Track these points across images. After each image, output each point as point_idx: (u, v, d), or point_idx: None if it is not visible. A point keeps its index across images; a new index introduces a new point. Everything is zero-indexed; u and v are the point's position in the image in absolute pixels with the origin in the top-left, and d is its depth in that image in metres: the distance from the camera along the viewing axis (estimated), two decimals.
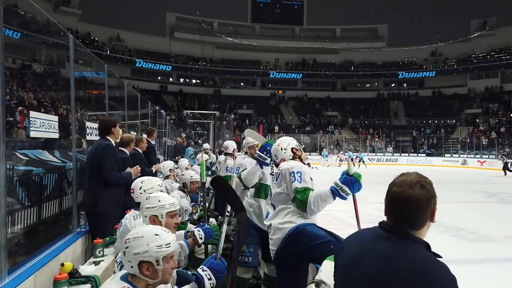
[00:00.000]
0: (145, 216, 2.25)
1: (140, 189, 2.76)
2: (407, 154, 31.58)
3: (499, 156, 24.23)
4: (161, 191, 2.73)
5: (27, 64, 15.40)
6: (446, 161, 29.06)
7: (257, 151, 3.22)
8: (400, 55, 39.90)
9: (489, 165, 26.19)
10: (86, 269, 2.43)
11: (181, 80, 40.38)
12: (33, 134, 2.99)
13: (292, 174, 2.57)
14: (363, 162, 26.02)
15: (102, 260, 2.68)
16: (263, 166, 3.13)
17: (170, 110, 33.31)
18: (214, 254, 2.07)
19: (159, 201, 2.27)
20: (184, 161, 6.08)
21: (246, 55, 40.22)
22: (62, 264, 2.17)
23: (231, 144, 5.73)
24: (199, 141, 22.05)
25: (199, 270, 1.96)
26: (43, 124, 2.97)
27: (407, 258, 1.24)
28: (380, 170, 22.11)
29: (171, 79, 39.67)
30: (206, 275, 1.92)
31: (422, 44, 37.27)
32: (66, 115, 7.97)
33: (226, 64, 39.81)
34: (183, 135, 21.30)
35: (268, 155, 3.06)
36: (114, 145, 3.84)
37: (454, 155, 30.25)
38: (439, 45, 38.84)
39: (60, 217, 4.22)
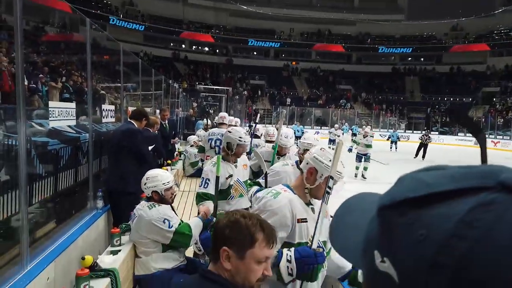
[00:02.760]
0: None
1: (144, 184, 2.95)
2: (419, 132, 31.17)
3: None
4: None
5: (41, 26, 15.21)
6: (459, 140, 28.61)
7: None
8: (419, 29, 38.61)
9: (502, 146, 25.77)
10: (105, 260, 2.47)
11: (193, 47, 39.85)
12: (52, 124, 3.01)
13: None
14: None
15: (120, 250, 2.72)
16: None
17: (181, 78, 33.12)
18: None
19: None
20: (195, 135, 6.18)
21: (261, 24, 39.34)
22: (83, 258, 2.20)
23: (226, 116, 5.96)
24: (210, 111, 21.97)
25: (286, 249, 1.76)
26: (61, 113, 2.96)
27: None
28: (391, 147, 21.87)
29: (183, 46, 39.17)
30: (287, 256, 1.70)
31: (443, 18, 35.92)
32: (81, 82, 7.93)
33: (240, 33, 39.06)
34: (195, 104, 21.21)
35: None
36: None
37: (467, 134, 29.76)
38: (460, 20, 37.43)
39: (75, 189, 4.27)
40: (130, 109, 5.86)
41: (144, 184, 2.91)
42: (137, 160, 3.88)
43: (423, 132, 19.74)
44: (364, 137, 11.09)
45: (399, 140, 21.49)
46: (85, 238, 2.89)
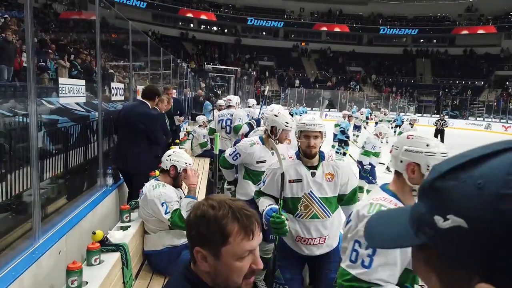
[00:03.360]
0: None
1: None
2: (429, 115, 30.82)
3: None
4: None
5: (49, 3, 15.13)
6: (469, 124, 28.26)
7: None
8: (433, 9, 37.66)
9: None
10: (115, 235, 2.52)
11: (202, 27, 39.43)
12: (62, 100, 3.03)
13: None
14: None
15: (129, 226, 2.77)
16: None
17: (190, 58, 32.93)
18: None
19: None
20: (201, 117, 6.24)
21: (270, 3, 38.68)
22: (94, 233, 2.25)
23: (234, 98, 6.25)
24: (218, 91, 21.89)
25: None
26: (71, 90, 2.98)
27: None
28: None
29: (191, 25, 38.78)
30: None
31: None
32: (89, 61, 7.93)
33: (249, 12, 38.49)
34: (203, 84, 21.13)
35: None
36: None
37: (478, 119, 29.38)
38: (475, 0, 36.40)
39: (85, 166, 4.33)
40: (139, 88, 5.87)
41: (168, 156, 3.02)
42: (150, 142, 3.96)
43: (439, 116, 18.75)
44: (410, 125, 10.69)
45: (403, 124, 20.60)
46: (95, 214, 2.96)
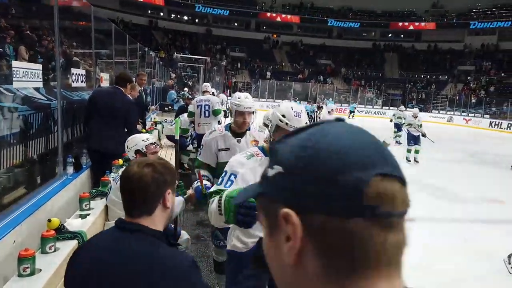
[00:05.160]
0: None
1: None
2: (395, 108, 31.68)
3: None
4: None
5: None
6: (432, 117, 29.33)
7: None
8: (401, 4, 38.58)
9: (474, 123, 26.64)
10: (73, 223, 2.48)
11: (172, 16, 38.66)
12: (16, 84, 2.92)
13: None
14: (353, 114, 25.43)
15: (89, 214, 2.72)
16: None
17: (160, 47, 32.27)
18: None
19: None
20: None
21: None
22: (49, 220, 2.21)
23: (209, 86, 7.30)
24: (189, 82, 21.61)
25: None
26: (27, 74, 2.87)
27: (139, 254, 1.19)
28: (368, 122, 22.29)
29: (161, 14, 37.94)
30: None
31: None
32: (52, 47, 7.63)
33: (222, 2, 38.06)
34: (173, 75, 20.80)
35: None
36: None
37: (441, 112, 30.54)
38: None
39: (46, 156, 4.21)
40: (103, 75, 5.73)
41: (127, 148, 3.13)
42: (125, 126, 4.17)
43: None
44: (415, 118, 10.35)
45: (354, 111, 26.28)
46: (54, 203, 2.89)
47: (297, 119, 1.96)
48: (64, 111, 4.09)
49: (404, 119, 13.17)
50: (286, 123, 1.96)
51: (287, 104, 2.10)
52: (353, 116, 25.12)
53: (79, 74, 4.27)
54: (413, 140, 10.24)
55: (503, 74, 32.98)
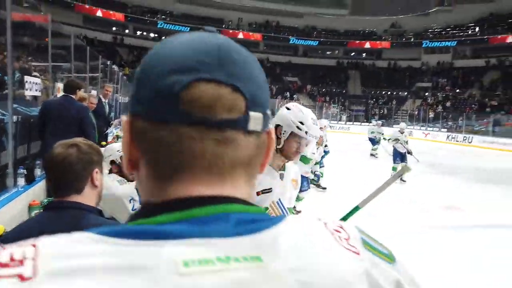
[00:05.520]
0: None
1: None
2: (359, 123, 32.74)
3: None
4: None
5: None
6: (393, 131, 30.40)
7: None
8: (362, 24, 40.30)
9: (432, 137, 27.86)
10: None
11: (138, 33, 38.44)
12: None
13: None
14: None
15: None
16: None
17: (125, 63, 31.89)
18: None
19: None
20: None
21: (209, 12, 38.85)
22: None
23: None
24: None
25: None
26: None
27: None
28: (334, 137, 22.78)
29: (127, 31, 37.65)
30: None
31: (383, 15, 37.82)
32: (5, 62, 7.41)
33: (188, 20, 38.29)
34: None
35: None
36: None
37: None
38: (399, 17, 39.58)
39: None
40: (59, 86, 5.63)
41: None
42: (81, 134, 4.00)
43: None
44: (401, 133, 10.09)
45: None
46: (3, 215, 2.80)
47: (316, 128, 1.72)
48: (20, 126, 4.01)
49: (382, 134, 13.25)
50: (306, 132, 1.71)
51: (302, 109, 1.81)
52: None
53: (33, 83, 4.19)
54: (400, 157, 9.92)
55: (457, 90, 34.95)
